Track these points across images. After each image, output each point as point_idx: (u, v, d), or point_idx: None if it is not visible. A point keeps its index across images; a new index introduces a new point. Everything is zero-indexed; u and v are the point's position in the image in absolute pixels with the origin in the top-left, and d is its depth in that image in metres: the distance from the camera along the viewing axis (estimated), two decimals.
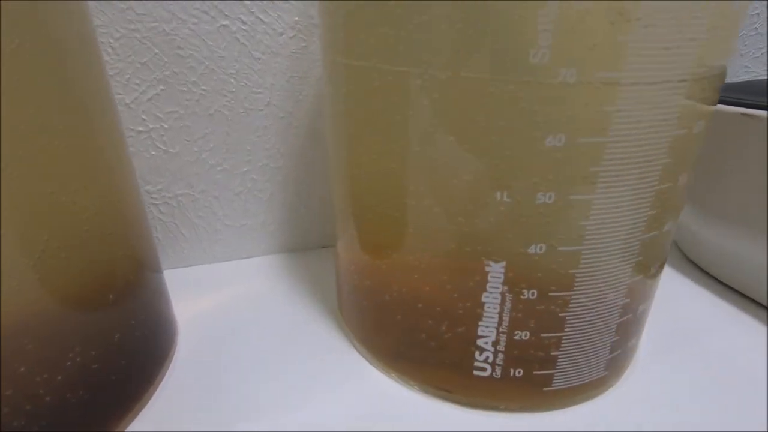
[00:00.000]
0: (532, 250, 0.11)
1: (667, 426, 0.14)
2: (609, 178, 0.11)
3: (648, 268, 0.13)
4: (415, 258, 0.13)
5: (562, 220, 0.11)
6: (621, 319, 0.13)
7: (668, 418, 0.14)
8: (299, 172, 0.22)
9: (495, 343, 0.13)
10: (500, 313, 0.12)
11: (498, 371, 0.13)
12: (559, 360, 0.13)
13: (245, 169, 0.21)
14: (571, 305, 0.12)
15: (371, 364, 0.16)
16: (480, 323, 0.13)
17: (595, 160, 0.10)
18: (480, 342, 0.13)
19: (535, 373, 0.13)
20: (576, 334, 0.13)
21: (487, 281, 0.12)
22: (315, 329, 0.18)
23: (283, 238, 0.23)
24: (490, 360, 0.13)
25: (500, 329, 0.13)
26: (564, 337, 0.13)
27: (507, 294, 0.12)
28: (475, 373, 0.13)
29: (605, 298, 0.12)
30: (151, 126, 0.19)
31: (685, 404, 0.14)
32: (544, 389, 0.14)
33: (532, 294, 0.12)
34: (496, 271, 0.12)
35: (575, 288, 0.12)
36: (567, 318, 0.12)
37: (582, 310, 0.12)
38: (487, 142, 0.11)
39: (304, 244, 0.24)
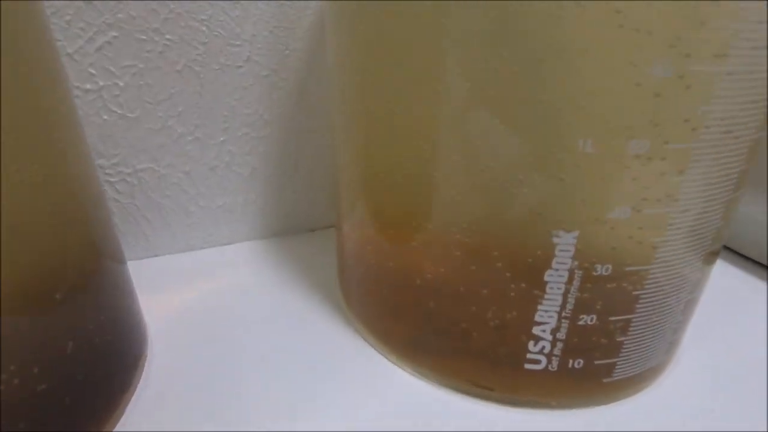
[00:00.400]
0: (614, 214, 0.09)
1: (731, 409, 0.12)
2: (714, 121, 0.09)
3: (723, 235, 0.11)
4: (456, 231, 0.11)
5: (654, 176, 0.09)
6: (690, 297, 0.11)
7: (728, 401, 0.12)
8: (286, 142, 0.19)
9: (554, 331, 0.11)
10: (565, 294, 0.10)
11: (554, 363, 0.11)
12: (624, 346, 0.11)
13: (222, 138, 0.18)
14: (647, 282, 0.10)
15: (389, 359, 0.14)
16: (539, 307, 0.10)
17: (705, 97, 0.08)
18: (536, 330, 0.11)
19: (596, 363, 0.11)
20: (646, 316, 0.11)
21: (553, 256, 0.10)
22: (314, 322, 0.15)
23: (268, 220, 0.20)
24: (547, 350, 0.11)
25: (563, 314, 0.10)
26: (633, 320, 0.11)
27: (576, 271, 0.10)
28: (527, 366, 0.11)
29: (682, 272, 0.11)
30: (101, 83, 0.16)
31: (742, 385, 0.13)
32: (604, 380, 0.12)
33: (606, 270, 0.10)
34: (565, 243, 0.10)
35: (656, 260, 0.10)
36: (640, 297, 0.10)
37: (657, 287, 0.10)
38: (570, 70, 0.08)
39: (292, 227, 0.21)
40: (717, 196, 0.10)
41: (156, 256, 0.19)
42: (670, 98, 0.08)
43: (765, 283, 0.18)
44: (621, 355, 0.11)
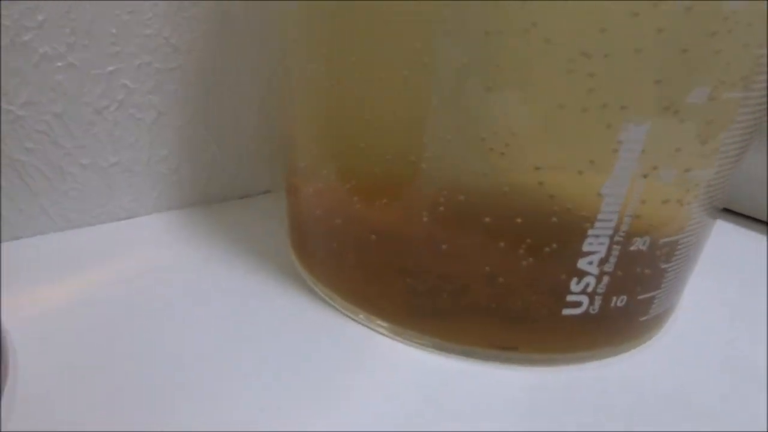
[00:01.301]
0: (691, 98, 0.07)
1: (746, 340, 0.11)
2: None
3: None
4: (484, 133, 0.08)
5: (739, 47, 0.07)
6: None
7: (740, 334, 0.12)
8: (206, 80, 0.15)
9: (602, 262, 0.09)
10: (621, 212, 0.08)
11: (596, 304, 0.09)
12: (666, 275, 0.10)
13: (110, 68, 0.13)
14: (701, 191, 0.09)
15: (379, 332, 0.11)
16: (589, 232, 0.08)
17: None
18: (582, 263, 0.09)
19: (638, 298, 0.10)
20: (692, 236, 0.09)
21: (615, 160, 0.08)
22: (272, 303, 0.12)
23: (184, 185, 0.16)
24: (591, 288, 0.09)
25: (615, 238, 0.08)
26: (680, 241, 0.09)
27: (638, 180, 0.08)
28: (565, 312, 0.09)
29: (724, 184, 0.09)
30: None
31: (749, 318, 0.12)
32: (641, 319, 0.10)
33: (669, 176, 0.08)
34: (633, 140, 0.08)
35: (714, 165, 0.08)
36: (692, 213, 0.09)
37: (707, 198, 0.09)
38: None
39: (217, 193, 0.16)
40: None
41: (16, 239, 0.13)
42: None
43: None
44: (662, 285, 0.10)
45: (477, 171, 0.08)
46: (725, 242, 0.16)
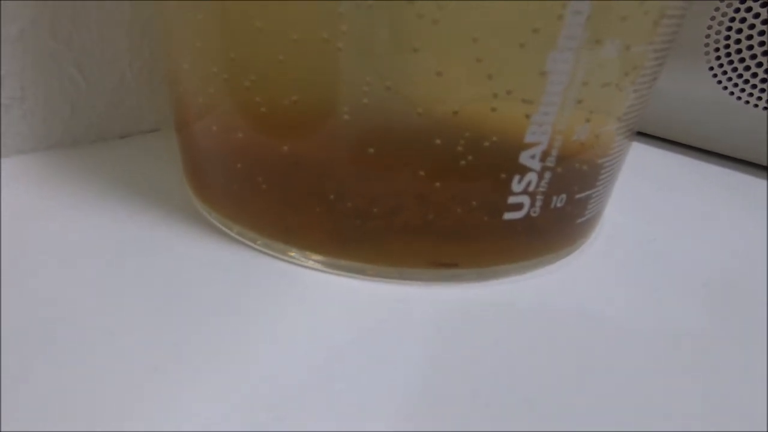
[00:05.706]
0: None
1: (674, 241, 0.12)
2: None
3: None
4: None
5: None
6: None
7: (666, 234, 0.12)
8: None
9: (545, 155, 0.08)
10: (565, 93, 0.07)
11: (537, 205, 0.08)
12: (602, 171, 0.09)
13: None
14: (636, 75, 0.08)
15: (299, 263, 0.09)
16: (533, 118, 0.07)
17: None
18: (524, 157, 0.08)
19: (576, 197, 0.09)
20: (628, 126, 0.09)
21: (561, 27, 0.07)
22: (163, 247, 0.10)
23: (31, 122, 0.12)
24: (532, 187, 0.08)
25: (558, 125, 0.08)
26: (617, 131, 0.09)
27: (585, 52, 0.07)
28: (506, 216, 0.08)
29: (656, 79, 0.09)
30: None
31: (669, 224, 0.13)
32: (578, 221, 0.10)
33: (612, 50, 0.07)
34: (577, 10, 0.07)
35: (655, 39, 0.08)
36: (628, 96, 0.08)
37: (643, 80, 0.08)
38: None
39: (82, 132, 0.13)
40: None
41: None
42: None
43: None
44: (598, 184, 0.09)
45: (405, 46, 0.07)
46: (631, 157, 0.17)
